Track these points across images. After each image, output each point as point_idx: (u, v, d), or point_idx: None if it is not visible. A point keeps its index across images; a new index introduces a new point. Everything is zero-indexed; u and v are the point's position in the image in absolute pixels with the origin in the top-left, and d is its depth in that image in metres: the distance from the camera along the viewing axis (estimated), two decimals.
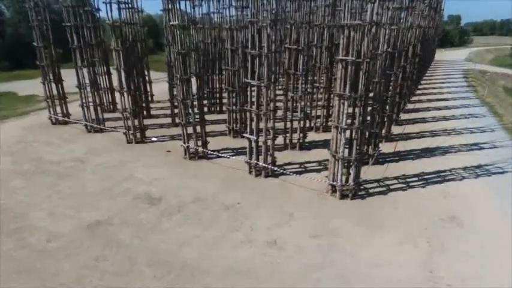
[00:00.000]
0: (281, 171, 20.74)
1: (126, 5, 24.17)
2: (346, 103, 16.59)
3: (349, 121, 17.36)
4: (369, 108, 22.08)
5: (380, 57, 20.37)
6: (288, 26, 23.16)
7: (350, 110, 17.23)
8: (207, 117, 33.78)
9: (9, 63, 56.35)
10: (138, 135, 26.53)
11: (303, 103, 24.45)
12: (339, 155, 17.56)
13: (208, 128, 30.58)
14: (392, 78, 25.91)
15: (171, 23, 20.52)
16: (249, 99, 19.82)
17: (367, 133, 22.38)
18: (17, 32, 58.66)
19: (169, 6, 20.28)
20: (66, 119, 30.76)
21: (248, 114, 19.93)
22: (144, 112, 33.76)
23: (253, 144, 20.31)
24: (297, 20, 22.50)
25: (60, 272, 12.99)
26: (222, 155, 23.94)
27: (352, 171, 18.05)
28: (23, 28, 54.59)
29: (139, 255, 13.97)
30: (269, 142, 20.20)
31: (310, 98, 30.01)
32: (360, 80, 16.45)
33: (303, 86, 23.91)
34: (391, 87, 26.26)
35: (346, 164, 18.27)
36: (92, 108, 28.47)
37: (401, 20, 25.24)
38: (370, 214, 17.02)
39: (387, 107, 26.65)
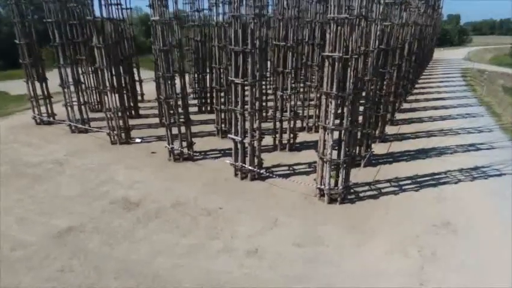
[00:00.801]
0: (267, 174, 19.76)
1: (108, 1, 23.14)
2: (333, 102, 15.61)
3: (338, 121, 16.43)
4: (361, 108, 21.22)
5: (371, 54, 19.38)
6: (276, 21, 22.21)
7: (341, 109, 16.30)
8: (198, 117, 33.05)
9: (5, 63, 55.37)
10: (123, 135, 25.55)
11: (292, 102, 23.48)
12: (326, 158, 16.59)
13: (198, 128, 29.78)
14: (386, 77, 24.95)
15: (152, 19, 19.54)
16: (233, 99, 18.82)
17: (358, 134, 21.49)
18: (12, 31, 57.61)
19: (157, 2, 19.27)
20: (50, 119, 29.77)
21: (233, 114, 18.93)
22: (132, 112, 32.94)
23: (239, 146, 19.33)
24: (286, 15, 21.53)
25: (18, 286, 11.99)
26: (208, 156, 23.02)
27: (341, 174, 17.07)
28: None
29: (108, 265, 12.99)
30: (255, 143, 19.25)
31: (302, 97, 29.13)
32: (348, 78, 15.46)
33: (293, 84, 22.96)
34: (384, 86, 25.31)
35: (334, 167, 17.32)
36: (76, 107, 27.49)
37: (395, 16, 24.26)
38: (359, 220, 16.05)
39: (381, 107, 25.72)
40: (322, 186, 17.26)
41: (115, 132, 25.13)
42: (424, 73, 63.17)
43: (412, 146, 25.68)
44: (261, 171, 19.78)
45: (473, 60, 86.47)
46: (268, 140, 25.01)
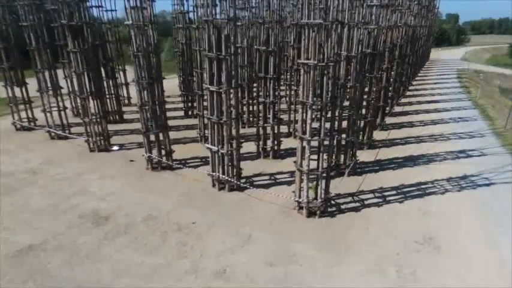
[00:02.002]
0: (244, 185, 18.93)
1: (86, 4, 22.28)
2: (309, 112, 14.79)
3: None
4: (347, 115, 20.43)
5: (354, 60, 18.58)
6: (256, 25, 21.40)
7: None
8: (183, 121, 32.26)
9: None
10: (102, 142, 24.74)
11: (276, 108, 22.67)
12: (304, 170, 15.77)
13: (182, 133, 29.06)
14: (373, 81, 24.15)
15: (125, 23, 18.72)
16: (209, 106, 18.01)
17: (343, 142, 20.72)
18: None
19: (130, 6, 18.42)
20: (30, 125, 28.96)
21: (208, 122, 18.11)
22: (116, 117, 32.19)
23: (216, 155, 18.51)
24: (267, 18, 20.71)
25: None
26: (188, 165, 22.21)
27: (319, 187, 16.25)
28: (12, 29, 52.97)
29: None
30: (234, 153, 18.44)
31: (288, 102, 28.36)
32: (325, 86, 14.64)
33: (277, 90, 22.13)
34: (373, 91, 24.50)
35: (314, 178, 16.50)
36: (57, 113, 26.66)
37: (382, 19, 23.43)
38: (338, 236, 15.25)
39: (369, 112, 24.92)
40: (300, 199, 16.46)
41: (93, 139, 24.32)
42: (419, 74, 62.44)
43: (400, 152, 24.87)
44: (239, 182, 18.94)
45: (470, 60, 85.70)
46: (252, 147, 24.25)
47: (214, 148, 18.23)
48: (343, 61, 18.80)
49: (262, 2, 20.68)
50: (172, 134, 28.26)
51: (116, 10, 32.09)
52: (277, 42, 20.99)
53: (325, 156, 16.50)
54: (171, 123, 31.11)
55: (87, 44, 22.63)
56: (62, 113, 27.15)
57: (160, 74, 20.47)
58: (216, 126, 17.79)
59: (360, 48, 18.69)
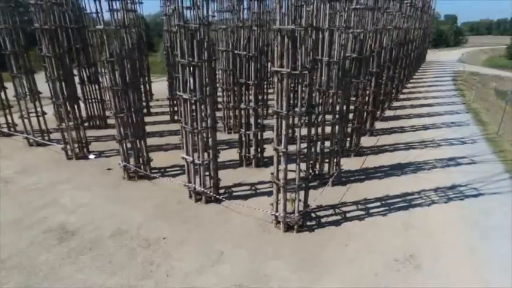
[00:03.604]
0: (220, 197, 18.12)
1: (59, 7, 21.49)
2: (284, 122, 13.99)
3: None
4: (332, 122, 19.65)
5: (336, 65, 17.79)
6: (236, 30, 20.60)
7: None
8: (168, 127, 31.42)
9: None
10: (79, 150, 23.92)
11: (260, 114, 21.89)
12: (280, 183, 14.97)
13: (165, 139, 28.24)
14: (360, 87, 23.38)
15: (96, 27, 17.91)
16: (183, 115, 17.21)
17: (327, 150, 19.94)
18: None
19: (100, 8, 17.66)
20: (11, 130, 28.11)
21: (182, 131, 17.30)
22: (99, 122, 31.37)
23: (191, 166, 17.71)
24: (247, 22, 19.93)
25: None
26: (168, 173, 21.43)
27: (296, 200, 15.44)
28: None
29: None
30: (211, 163, 17.64)
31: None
32: (299, 95, 13.85)
33: (259, 96, 21.36)
34: (359, 97, 23.74)
35: (295, 189, 15.66)
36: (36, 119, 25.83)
37: (368, 22, 22.67)
38: (315, 253, 14.44)
39: (356, 119, 24.16)
40: (277, 213, 15.66)
41: (70, 146, 23.50)
42: (414, 76, 61.70)
43: (388, 160, 24.08)
44: (215, 195, 18.12)
45: (467, 62, 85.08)
46: (236, 155, 23.43)
47: (189, 158, 17.43)
48: (325, 67, 18.00)
49: (240, 4, 19.86)
50: (155, 140, 27.66)
51: (97, 12, 31.24)
52: (257, 46, 20.20)
53: (304, 167, 15.72)
54: (156, 128, 30.52)
55: (62, 48, 21.80)
56: (41, 118, 26.29)
57: (136, 80, 19.66)
58: (190, 135, 16.99)
59: (342, 54, 17.88)
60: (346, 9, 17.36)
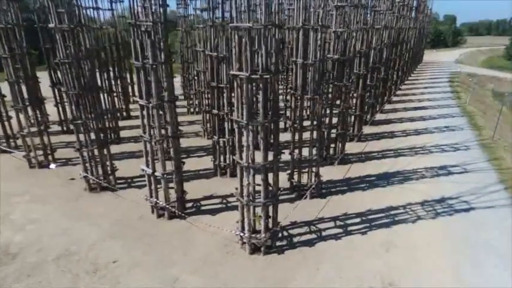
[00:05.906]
0: (182, 213, 16.47)
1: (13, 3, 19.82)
2: (245, 132, 12.35)
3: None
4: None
5: (311, 68, 16.14)
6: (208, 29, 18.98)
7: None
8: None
9: None
10: (44, 157, 22.26)
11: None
12: (244, 201, 13.33)
13: (139, 145, 26.51)
14: (343, 90, 21.74)
15: (49, 25, 16.29)
16: (141, 123, 15.56)
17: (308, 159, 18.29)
18: None
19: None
20: None
21: (142, 142, 15.63)
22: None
23: (152, 179, 16.08)
24: (216, 21, 18.31)
25: None
26: (134, 184, 19.80)
27: (262, 220, 13.79)
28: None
29: None
30: (173, 176, 15.99)
31: None
32: (261, 102, 12.21)
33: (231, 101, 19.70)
34: (342, 101, 22.09)
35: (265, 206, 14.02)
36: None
37: (353, 21, 21.06)
38: (281, 279, 12.80)
39: (340, 125, 22.53)
40: (242, 234, 14.01)
41: (33, 154, 21.85)
42: (410, 78, 60.07)
43: (375, 169, 22.43)
44: (177, 211, 16.47)
45: (465, 62, 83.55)
46: (209, 164, 21.80)
47: (149, 170, 15.79)
48: (299, 69, 16.37)
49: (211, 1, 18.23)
50: (129, 147, 26.03)
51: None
52: (230, 47, 18.54)
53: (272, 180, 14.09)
54: (133, 133, 28.74)
55: (21, 48, 20.19)
56: (7, 123, 24.65)
57: (95, 83, 18.01)
58: (149, 145, 15.35)
59: (319, 55, 16.24)
60: (323, 6, 15.71)
